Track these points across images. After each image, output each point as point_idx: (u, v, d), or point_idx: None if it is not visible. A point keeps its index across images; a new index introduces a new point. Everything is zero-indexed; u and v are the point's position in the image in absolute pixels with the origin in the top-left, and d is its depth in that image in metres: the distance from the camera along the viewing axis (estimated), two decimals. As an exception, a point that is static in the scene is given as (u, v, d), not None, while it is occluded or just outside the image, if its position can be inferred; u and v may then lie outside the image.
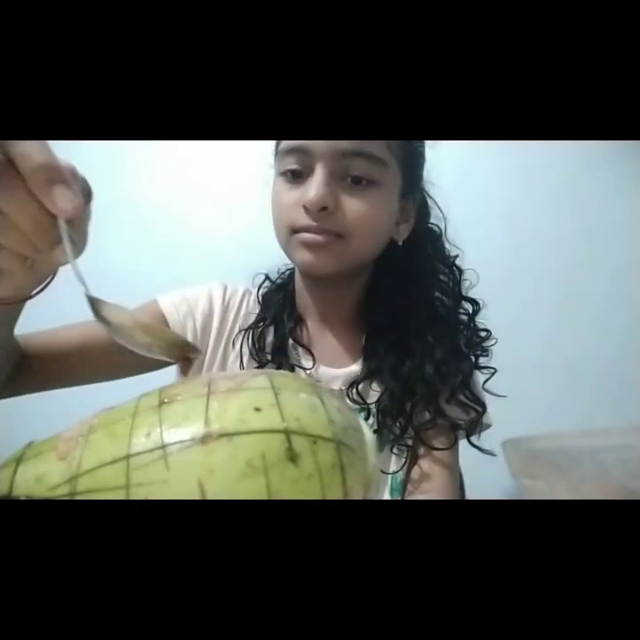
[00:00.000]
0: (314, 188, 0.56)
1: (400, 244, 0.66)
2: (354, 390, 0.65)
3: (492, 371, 0.68)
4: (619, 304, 1.14)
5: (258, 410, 0.28)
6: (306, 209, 0.58)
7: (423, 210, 0.70)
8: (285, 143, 0.60)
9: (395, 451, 0.66)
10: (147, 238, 1.43)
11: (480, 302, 0.70)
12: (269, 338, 0.68)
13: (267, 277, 0.74)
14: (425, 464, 0.65)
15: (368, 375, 0.65)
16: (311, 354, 0.67)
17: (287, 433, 0.27)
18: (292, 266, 0.73)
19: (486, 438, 0.74)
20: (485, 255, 1.15)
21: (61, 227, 0.30)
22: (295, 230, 0.60)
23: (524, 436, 0.28)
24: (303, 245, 0.59)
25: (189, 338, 0.66)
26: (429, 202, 0.71)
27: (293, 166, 0.59)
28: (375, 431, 0.64)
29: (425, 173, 0.69)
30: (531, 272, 1.15)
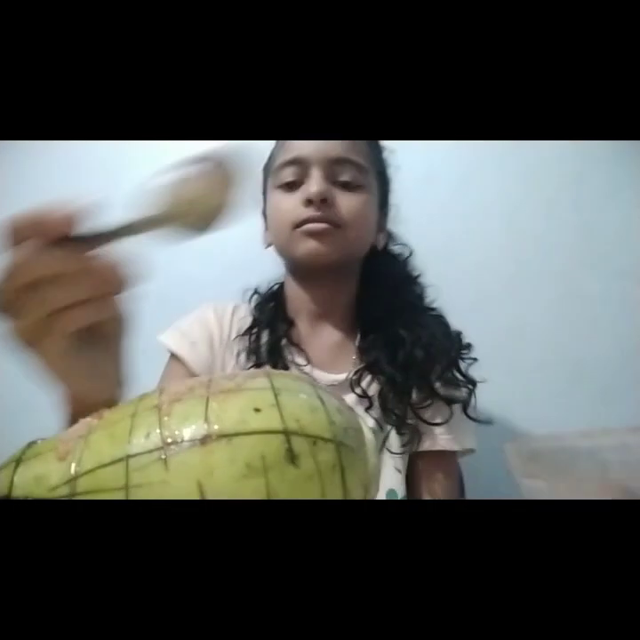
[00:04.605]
0: (315, 184, 0.66)
1: (379, 248, 0.75)
2: (356, 381, 0.69)
3: (473, 359, 0.73)
4: (619, 304, 1.14)
5: (257, 410, 0.28)
6: (308, 203, 0.66)
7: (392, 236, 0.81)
8: (281, 159, 0.69)
9: (398, 433, 0.70)
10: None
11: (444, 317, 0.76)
12: (264, 339, 0.74)
13: (256, 291, 0.81)
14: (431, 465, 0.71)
15: (367, 367, 0.71)
16: (305, 353, 0.72)
17: (287, 434, 0.27)
18: (280, 281, 0.81)
19: (487, 437, 0.74)
20: (485, 256, 1.15)
21: None
22: (298, 225, 0.66)
23: (524, 437, 0.28)
24: (308, 235, 0.66)
25: (203, 364, 0.72)
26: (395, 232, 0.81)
27: (290, 178, 0.68)
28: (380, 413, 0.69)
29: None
30: (531, 272, 1.15)
